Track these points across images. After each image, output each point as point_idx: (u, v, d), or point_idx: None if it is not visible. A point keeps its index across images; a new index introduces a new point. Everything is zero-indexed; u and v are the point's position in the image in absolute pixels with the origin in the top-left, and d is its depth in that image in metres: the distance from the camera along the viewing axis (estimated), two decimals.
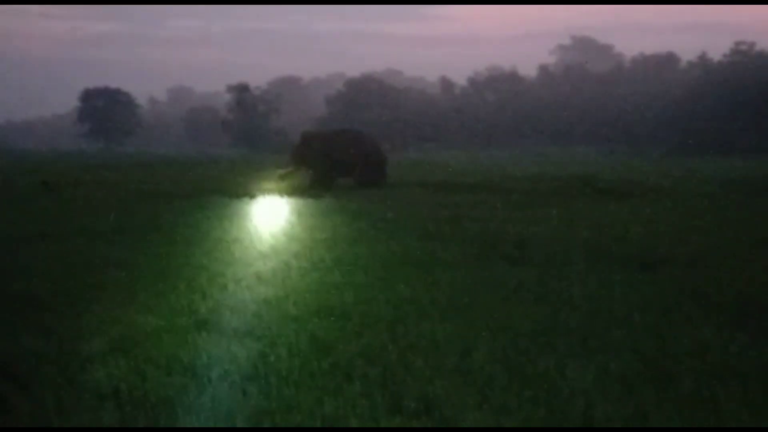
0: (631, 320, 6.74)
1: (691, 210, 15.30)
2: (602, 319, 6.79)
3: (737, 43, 74.54)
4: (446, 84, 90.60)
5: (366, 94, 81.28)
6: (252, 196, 18.01)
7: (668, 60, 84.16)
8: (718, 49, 78.52)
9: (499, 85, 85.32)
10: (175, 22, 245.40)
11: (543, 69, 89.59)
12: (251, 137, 77.37)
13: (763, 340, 6.22)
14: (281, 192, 19.38)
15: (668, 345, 6.07)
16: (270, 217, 13.99)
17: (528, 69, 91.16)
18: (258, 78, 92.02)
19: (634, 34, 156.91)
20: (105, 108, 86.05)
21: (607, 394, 5.03)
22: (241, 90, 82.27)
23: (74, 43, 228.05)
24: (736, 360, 5.77)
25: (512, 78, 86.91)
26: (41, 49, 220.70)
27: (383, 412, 4.76)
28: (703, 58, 79.55)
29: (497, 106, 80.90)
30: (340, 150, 22.95)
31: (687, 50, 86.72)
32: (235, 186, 21.22)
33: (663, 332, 6.40)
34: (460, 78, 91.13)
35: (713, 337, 6.26)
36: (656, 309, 7.13)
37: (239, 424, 4.64)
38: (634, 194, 18.88)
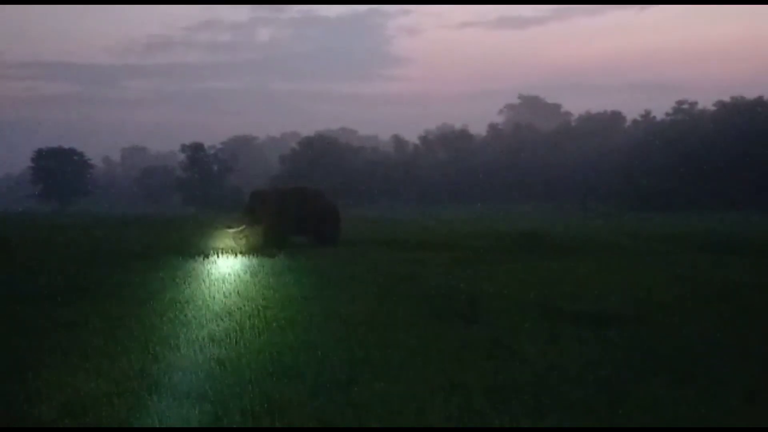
0: (583, 377, 6.84)
1: (638, 266, 15.61)
2: (554, 376, 6.88)
3: (679, 102, 77.15)
4: (399, 142, 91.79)
5: (320, 152, 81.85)
6: (205, 255, 17.87)
7: (614, 118, 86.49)
8: (661, 108, 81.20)
9: (450, 143, 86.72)
10: (128, 83, 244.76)
11: (492, 127, 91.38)
12: (206, 196, 77.09)
13: (712, 395, 6.36)
14: (235, 251, 19.28)
15: (620, 401, 6.17)
16: (223, 277, 13.89)
17: (478, 127, 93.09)
18: (212, 137, 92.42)
19: (581, 94, 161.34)
20: (58, 168, 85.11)
21: None
22: (195, 149, 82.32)
23: (29, 104, 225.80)
24: (686, 415, 5.90)
25: (463, 136, 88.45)
26: None
27: None
28: (646, 117, 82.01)
29: (449, 164, 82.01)
30: (293, 208, 22.95)
31: (631, 109, 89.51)
32: (189, 245, 21.05)
33: (614, 388, 6.51)
34: (412, 136, 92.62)
35: (663, 393, 6.39)
36: (607, 365, 7.25)
37: None
38: (583, 251, 19.20)
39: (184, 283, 13.02)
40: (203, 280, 13.34)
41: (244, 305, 10.63)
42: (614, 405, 6.08)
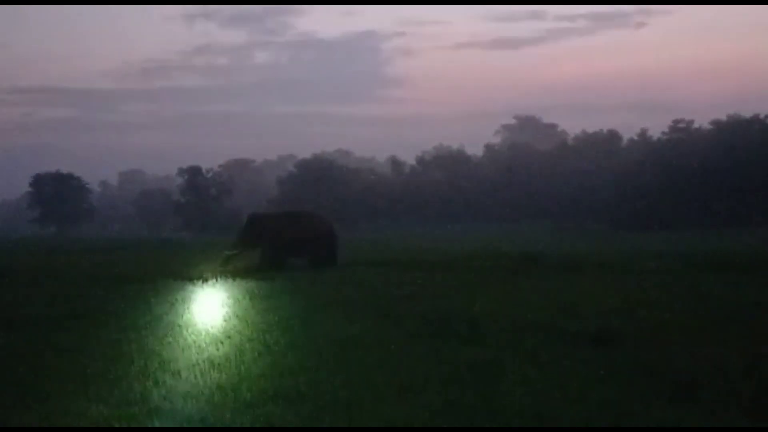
0: (585, 398, 6.82)
1: (637, 285, 15.61)
2: (556, 397, 6.86)
3: (675, 121, 77.49)
4: (395, 163, 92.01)
5: (317, 174, 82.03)
6: (204, 279, 17.86)
7: (610, 137, 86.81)
8: (657, 127, 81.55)
9: (447, 163, 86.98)
10: (126, 107, 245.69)
11: (489, 148, 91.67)
12: (204, 219, 77.20)
13: (716, 414, 6.35)
14: (233, 274, 19.26)
15: (623, 422, 6.15)
16: (222, 300, 13.88)
17: (474, 148, 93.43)
18: (210, 160, 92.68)
19: (577, 113, 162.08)
20: (56, 193, 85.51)
21: None
22: (193, 173, 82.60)
23: (26, 129, 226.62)
24: None
25: (459, 157, 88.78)
26: None
27: None
28: (643, 136, 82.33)
29: (445, 184, 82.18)
30: (291, 230, 22.97)
31: (628, 128, 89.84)
32: (188, 269, 21.04)
33: (617, 409, 6.48)
34: (409, 157, 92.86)
35: (666, 413, 6.37)
36: (609, 385, 7.23)
37: None
38: (582, 270, 19.19)
39: (183, 306, 13.02)
40: (202, 304, 13.34)
41: (243, 329, 10.62)
42: (617, 425, 6.06)
